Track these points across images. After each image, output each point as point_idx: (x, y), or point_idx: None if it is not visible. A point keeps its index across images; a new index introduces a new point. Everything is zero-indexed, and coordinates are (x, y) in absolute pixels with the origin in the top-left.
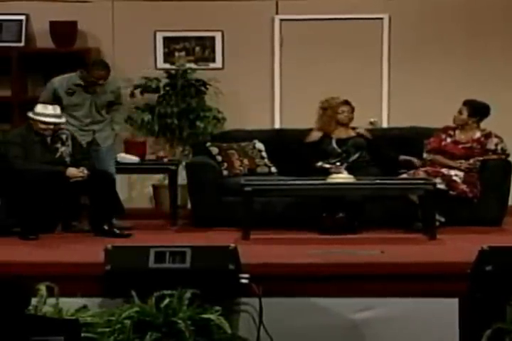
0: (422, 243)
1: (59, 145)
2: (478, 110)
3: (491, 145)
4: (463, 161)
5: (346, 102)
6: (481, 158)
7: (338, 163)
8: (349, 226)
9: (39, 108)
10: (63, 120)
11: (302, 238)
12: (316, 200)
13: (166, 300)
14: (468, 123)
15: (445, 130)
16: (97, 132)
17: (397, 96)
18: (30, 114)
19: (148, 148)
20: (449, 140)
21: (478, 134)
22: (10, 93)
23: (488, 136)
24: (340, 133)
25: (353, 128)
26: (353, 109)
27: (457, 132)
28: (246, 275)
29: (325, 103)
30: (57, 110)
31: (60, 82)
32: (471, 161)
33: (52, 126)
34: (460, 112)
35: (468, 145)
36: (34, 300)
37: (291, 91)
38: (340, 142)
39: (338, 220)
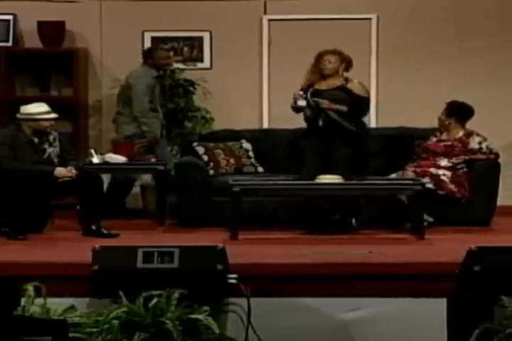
0: (410, 243)
1: (46, 146)
2: (454, 111)
3: (474, 145)
4: (442, 158)
5: (333, 51)
6: (467, 158)
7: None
8: (344, 226)
9: (34, 108)
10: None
11: (291, 238)
12: (305, 200)
13: (154, 300)
14: (445, 124)
15: (434, 132)
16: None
17: (386, 96)
18: (28, 116)
19: (136, 148)
20: (434, 140)
21: (460, 134)
22: None
23: (469, 135)
24: (321, 85)
25: (346, 80)
26: (342, 60)
27: (444, 133)
28: (234, 276)
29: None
30: (47, 106)
31: (144, 75)
32: (454, 159)
33: (53, 122)
34: (442, 112)
35: (449, 143)
36: (22, 301)
37: (279, 91)
38: (317, 94)
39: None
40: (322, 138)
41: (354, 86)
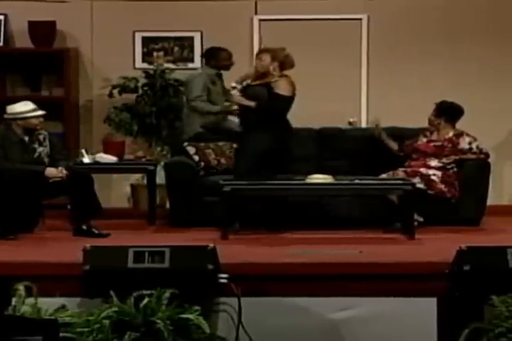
0: (400, 243)
1: (36, 145)
2: (443, 111)
3: (464, 145)
4: (433, 158)
5: (266, 50)
6: (457, 158)
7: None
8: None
9: (20, 107)
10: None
11: (281, 238)
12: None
13: (145, 300)
14: (435, 124)
15: (424, 132)
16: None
17: (376, 96)
18: (17, 115)
19: (126, 148)
20: (424, 140)
21: (450, 134)
22: None
23: (459, 135)
24: (256, 81)
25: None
26: (274, 58)
27: (434, 133)
28: (225, 275)
29: None
30: (33, 103)
31: (205, 75)
32: (444, 160)
33: (42, 119)
34: (431, 113)
35: (439, 143)
36: (13, 300)
37: None
38: (245, 89)
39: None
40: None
41: (277, 83)
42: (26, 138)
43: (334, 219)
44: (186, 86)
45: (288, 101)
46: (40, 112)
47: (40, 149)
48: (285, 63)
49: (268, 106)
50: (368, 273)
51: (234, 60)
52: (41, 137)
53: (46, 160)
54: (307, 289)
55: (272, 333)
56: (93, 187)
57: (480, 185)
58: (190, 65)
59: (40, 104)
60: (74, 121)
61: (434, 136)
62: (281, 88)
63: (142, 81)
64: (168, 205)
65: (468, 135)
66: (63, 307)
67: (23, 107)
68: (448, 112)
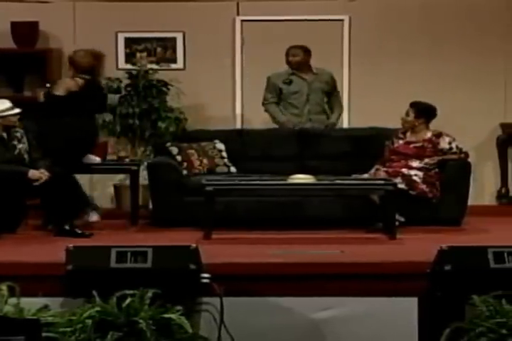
0: (382, 243)
1: (16, 142)
2: (423, 111)
3: (444, 145)
4: (414, 160)
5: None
6: (440, 158)
7: None
8: None
9: None
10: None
11: (263, 238)
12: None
13: (128, 300)
14: (415, 125)
15: (396, 134)
16: (314, 120)
17: (358, 96)
18: None
19: (109, 149)
20: (401, 142)
21: (429, 134)
22: None
23: (439, 135)
24: None
25: None
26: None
27: (408, 134)
28: (207, 275)
29: None
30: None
31: (276, 75)
32: (427, 160)
33: (19, 116)
34: (407, 114)
35: (420, 144)
36: None
37: (252, 91)
38: None
39: None
40: None
41: (56, 84)
42: (5, 135)
43: (315, 219)
44: None
45: (58, 99)
46: (17, 110)
47: (20, 146)
48: (74, 65)
49: (40, 105)
50: (349, 273)
51: (300, 59)
52: (18, 134)
53: (26, 156)
54: (289, 289)
55: (254, 333)
56: (77, 186)
57: (461, 186)
58: (173, 66)
59: (23, 104)
60: None
61: (410, 137)
62: (55, 88)
63: (125, 82)
64: (150, 205)
65: (447, 135)
66: (46, 307)
67: (1, 106)
68: (427, 113)
